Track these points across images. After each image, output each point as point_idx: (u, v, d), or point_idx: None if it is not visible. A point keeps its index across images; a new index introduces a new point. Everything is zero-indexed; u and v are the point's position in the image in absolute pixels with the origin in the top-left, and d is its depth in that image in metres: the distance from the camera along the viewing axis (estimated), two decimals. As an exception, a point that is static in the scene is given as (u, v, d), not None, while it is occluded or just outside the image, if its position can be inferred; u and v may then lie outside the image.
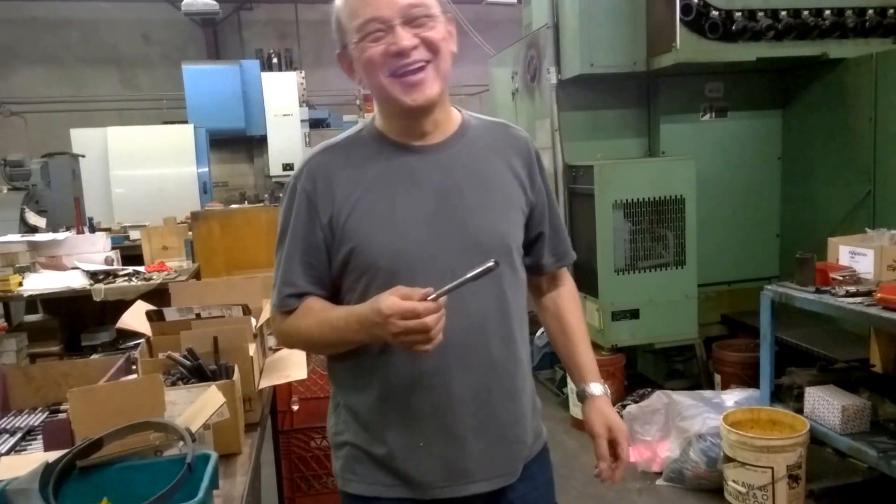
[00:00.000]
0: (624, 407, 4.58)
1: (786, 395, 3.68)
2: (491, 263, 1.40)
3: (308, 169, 1.60)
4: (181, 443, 1.58)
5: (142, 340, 2.43)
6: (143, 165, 9.11)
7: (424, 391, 1.56)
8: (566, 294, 1.87)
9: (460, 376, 1.56)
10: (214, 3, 10.38)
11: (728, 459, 3.46)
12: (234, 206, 8.86)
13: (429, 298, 1.39)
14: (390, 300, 1.39)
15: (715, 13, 4.40)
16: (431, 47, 1.49)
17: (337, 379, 1.69)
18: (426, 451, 1.58)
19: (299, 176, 1.61)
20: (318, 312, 1.58)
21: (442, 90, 1.55)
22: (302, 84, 10.29)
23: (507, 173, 1.66)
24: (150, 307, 2.61)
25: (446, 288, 1.40)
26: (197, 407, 1.81)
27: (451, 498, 1.60)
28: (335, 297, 1.63)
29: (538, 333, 5.91)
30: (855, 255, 3.43)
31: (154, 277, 4.93)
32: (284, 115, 10.11)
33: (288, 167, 9.95)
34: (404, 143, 1.60)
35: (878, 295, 3.03)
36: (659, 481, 4.05)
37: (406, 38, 1.46)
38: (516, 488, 1.67)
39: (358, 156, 1.60)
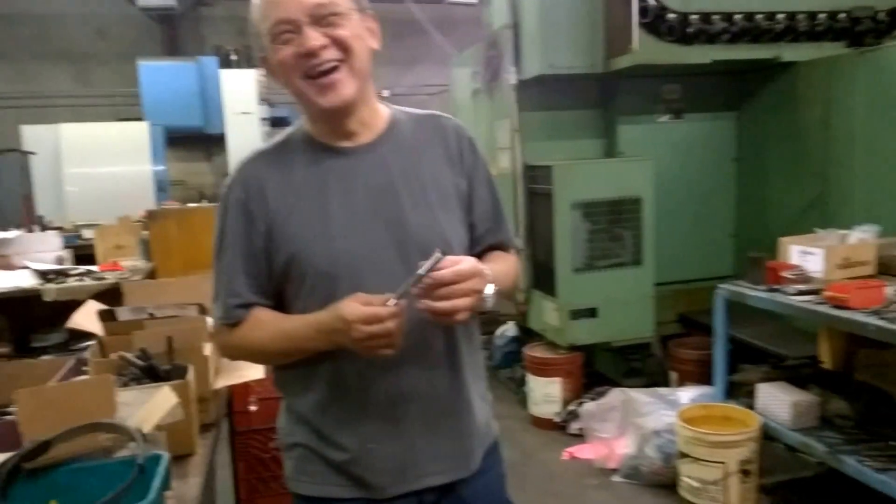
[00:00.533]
0: (581, 404, 4.64)
1: (738, 391, 3.75)
2: (438, 254, 1.41)
3: (240, 178, 1.58)
4: (132, 444, 1.57)
5: (94, 341, 2.39)
6: (97, 163, 8.93)
7: (371, 390, 1.56)
8: (504, 257, 1.76)
9: (407, 372, 1.56)
10: (172, -2, 10.22)
11: (683, 455, 3.51)
12: (191, 204, 8.70)
13: (389, 303, 1.40)
14: (352, 306, 1.41)
15: (671, 16, 4.46)
16: (342, 46, 1.48)
17: (284, 384, 1.68)
18: (377, 452, 1.58)
19: (232, 186, 1.59)
20: (269, 323, 1.57)
21: (360, 89, 1.53)
22: (261, 82, 10.08)
23: (441, 166, 1.65)
24: (102, 306, 2.58)
25: (402, 289, 1.41)
26: (149, 408, 1.80)
27: (405, 493, 1.60)
28: (279, 306, 1.61)
29: (498, 332, 5.98)
30: (805, 255, 3.50)
31: (107, 277, 4.83)
32: (243, 113, 9.95)
33: (248, 166, 9.78)
34: (333, 145, 1.59)
35: (827, 293, 3.10)
36: (615, 478, 4.10)
37: (314, 37, 1.45)
38: (468, 483, 1.67)
39: (289, 161, 1.59)
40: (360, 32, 1.52)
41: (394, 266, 1.52)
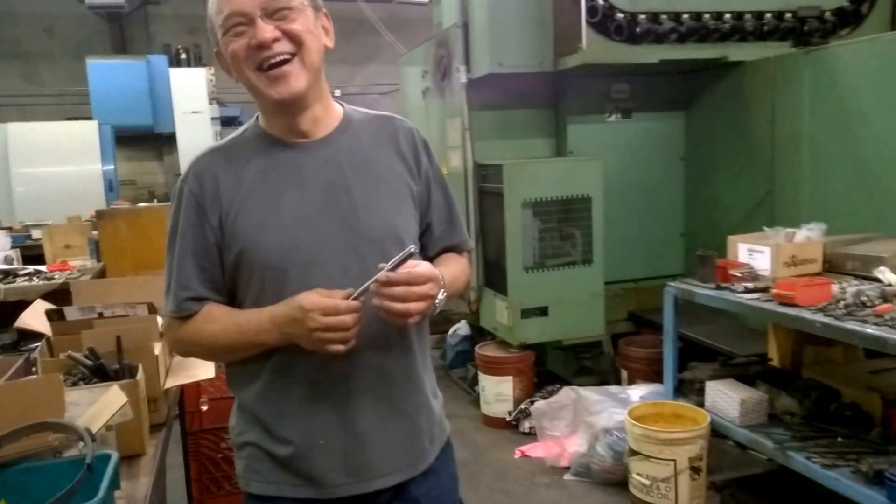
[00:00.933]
0: (533, 403, 4.61)
1: (688, 389, 3.72)
2: (410, 249, 1.43)
3: (194, 172, 1.58)
4: (81, 444, 1.57)
5: (42, 341, 2.39)
6: (45, 163, 8.83)
7: (323, 387, 1.54)
8: (458, 259, 1.78)
9: (359, 370, 1.55)
10: (119, -5, 10.01)
11: (633, 453, 3.48)
12: (142, 204, 8.63)
13: (351, 298, 1.42)
14: (311, 296, 1.42)
15: (620, 15, 4.44)
16: (295, 39, 1.49)
17: (236, 381, 1.65)
18: (327, 449, 1.55)
19: (186, 179, 1.58)
20: (221, 317, 1.56)
21: (311, 83, 1.53)
22: (212, 81, 10.06)
23: (395, 165, 1.65)
24: (51, 306, 2.58)
25: (366, 284, 1.43)
26: (98, 407, 1.79)
27: (355, 495, 1.58)
28: (231, 301, 1.59)
29: (450, 331, 5.91)
30: (753, 253, 3.48)
31: (56, 277, 4.82)
32: (193, 112, 9.88)
33: (199, 165, 9.70)
34: (287, 140, 1.59)
35: (774, 291, 3.07)
36: (567, 476, 4.08)
37: (266, 30, 1.46)
38: (420, 483, 1.65)
39: (243, 156, 1.58)
40: (313, 28, 1.53)
41: (344, 261, 1.53)
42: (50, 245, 5.69)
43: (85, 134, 9.08)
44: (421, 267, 1.47)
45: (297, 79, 1.49)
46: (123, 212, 5.56)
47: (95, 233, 5.41)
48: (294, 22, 1.48)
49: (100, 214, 5.36)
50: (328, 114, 1.62)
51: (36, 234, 6.69)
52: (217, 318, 1.55)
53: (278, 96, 1.49)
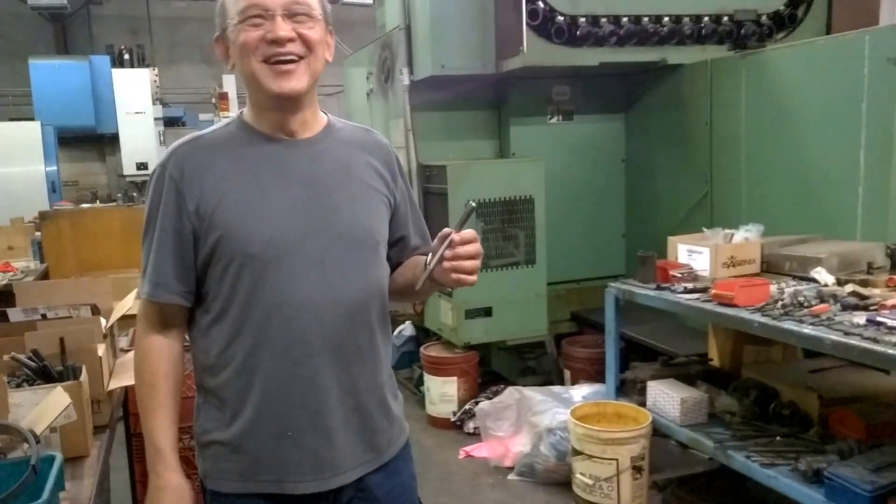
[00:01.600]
0: (477, 403, 4.55)
1: (630, 389, 3.68)
2: (472, 204, 1.53)
3: (176, 157, 1.58)
4: (26, 445, 1.58)
5: None
6: (-14, 164, 8.70)
7: (293, 381, 1.55)
8: None
9: (327, 365, 1.56)
10: (62, -4, 9.78)
11: (576, 452, 3.45)
12: (85, 205, 8.55)
13: (427, 265, 1.55)
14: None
15: (560, 18, 4.38)
16: (308, 44, 1.53)
17: (204, 373, 1.63)
18: (293, 443, 1.56)
19: (166, 163, 1.58)
20: (150, 389, 1.60)
21: (310, 87, 1.57)
22: (155, 81, 9.93)
23: (372, 174, 1.69)
24: None
25: (440, 251, 1.51)
26: (42, 409, 1.79)
27: (320, 493, 1.59)
28: (198, 295, 1.60)
29: (396, 332, 5.79)
30: (692, 254, 3.46)
31: None
32: (137, 112, 9.72)
33: (142, 166, 9.62)
34: (272, 135, 1.61)
35: (714, 291, 3.03)
36: (511, 476, 4.04)
37: (285, 28, 1.50)
38: (382, 482, 1.67)
39: (226, 147, 1.60)
40: (323, 39, 1.58)
41: (321, 257, 1.55)
42: (-8, 246, 5.63)
43: (27, 135, 9.00)
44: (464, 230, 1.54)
45: (299, 79, 1.53)
46: (66, 213, 5.53)
47: (38, 234, 5.35)
48: (311, 29, 1.53)
49: (43, 216, 5.28)
50: (315, 118, 1.66)
51: (-24, 235, 6.54)
52: (150, 378, 1.59)
53: (279, 90, 1.51)
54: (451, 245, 1.50)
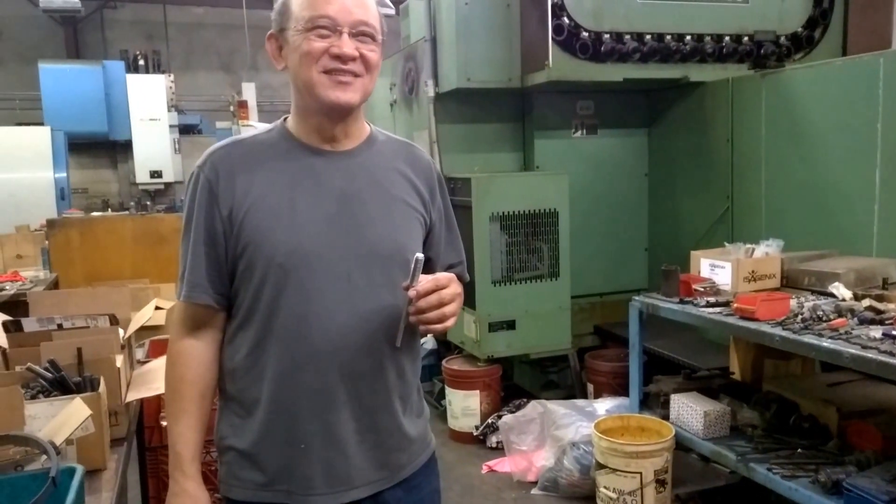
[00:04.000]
0: (500, 417, 4.64)
1: (653, 402, 3.81)
2: (418, 256, 1.53)
3: (213, 159, 1.63)
4: (44, 457, 1.55)
5: None
6: (-6, 169, 8.62)
7: (307, 393, 1.59)
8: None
9: (344, 380, 1.60)
10: (76, 0, 9.84)
11: (600, 466, 3.54)
12: (95, 213, 8.47)
13: (400, 330, 1.58)
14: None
15: (585, 34, 4.58)
16: (367, 65, 1.60)
17: (226, 378, 1.68)
18: (307, 455, 1.60)
19: (203, 165, 1.63)
20: (175, 394, 1.64)
21: (360, 104, 1.64)
22: (170, 88, 9.97)
23: (409, 190, 1.72)
24: (6, 317, 2.52)
25: (403, 316, 1.57)
26: (60, 420, 1.76)
27: None
28: (231, 300, 1.64)
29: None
30: (714, 268, 3.61)
31: (7, 287, 4.72)
32: (151, 119, 9.75)
33: (156, 174, 9.64)
34: (312, 145, 1.65)
35: (735, 305, 3.18)
36: (534, 490, 4.12)
37: (350, 46, 1.56)
38: (401, 500, 1.70)
39: (264, 153, 1.64)
40: (379, 63, 1.65)
41: (348, 270, 1.59)
42: (0, 255, 5.61)
43: (36, 140, 8.95)
44: (437, 274, 1.58)
45: (354, 94, 1.59)
46: (76, 221, 5.46)
47: (47, 242, 5.31)
48: (372, 51, 1.60)
49: (51, 224, 5.26)
50: (357, 129, 1.71)
51: (-16, 243, 6.57)
52: (180, 378, 1.64)
53: (336, 100, 1.57)
54: (411, 301, 1.53)
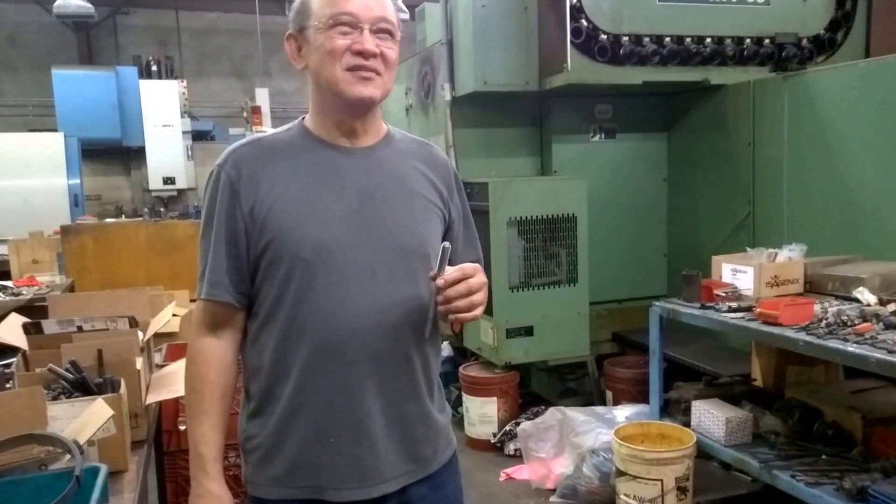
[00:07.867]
0: (517, 424, 4.65)
1: (674, 409, 3.81)
2: (446, 245, 1.55)
3: (234, 158, 1.65)
4: (67, 457, 1.57)
5: (17, 357, 2.35)
6: (7, 176, 8.74)
7: (336, 387, 1.61)
8: None
9: (372, 373, 1.62)
10: (89, 6, 9.99)
11: (620, 473, 3.55)
12: (109, 220, 8.58)
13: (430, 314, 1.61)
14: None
15: (604, 37, 4.59)
16: (387, 62, 1.64)
17: (251, 378, 1.71)
18: (336, 450, 1.62)
19: (224, 164, 1.65)
20: (196, 394, 1.66)
21: (379, 101, 1.67)
22: (184, 94, 10.05)
23: (428, 188, 1.76)
24: (26, 320, 2.54)
25: (434, 302, 1.59)
26: (82, 421, 1.78)
27: (361, 500, 1.65)
28: (252, 299, 1.66)
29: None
30: (736, 273, 3.62)
31: (24, 292, 4.77)
32: (164, 125, 9.83)
33: (169, 181, 9.71)
34: (333, 142, 1.69)
35: (758, 310, 3.19)
36: (553, 498, 4.12)
37: (372, 43, 1.59)
38: (426, 494, 1.73)
39: (284, 151, 1.67)
40: (397, 61, 1.68)
41: (372, 264, 1.62)
42: (16, 260, 5.66)
43: (49, 146, 9.03)
44: (464, 265, 1.60)
45: (375, 90, 1.62)
46: (89, 227, 5.51)
47: (62, 249, 5.31)
48: (390, 49, 1.64)
49: (65, 230, 5.30)
50: (375, 127, 1.74)
51: (1, 249, 6.63)
52: (201, 378, 1.65)
53: (359, 94, 1.60)
54: (439, 291, 1.56)
